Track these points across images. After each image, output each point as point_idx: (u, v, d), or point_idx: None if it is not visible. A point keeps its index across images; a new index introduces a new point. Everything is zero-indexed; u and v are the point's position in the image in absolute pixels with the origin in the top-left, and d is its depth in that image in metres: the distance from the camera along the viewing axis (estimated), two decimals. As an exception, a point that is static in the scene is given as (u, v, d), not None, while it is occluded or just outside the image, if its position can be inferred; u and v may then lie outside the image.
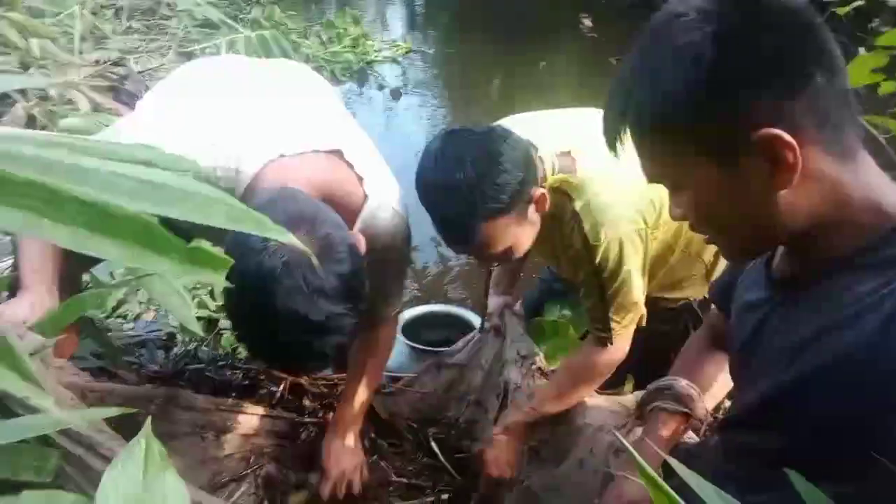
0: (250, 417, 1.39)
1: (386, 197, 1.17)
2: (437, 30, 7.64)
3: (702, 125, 0.64)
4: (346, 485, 1.32)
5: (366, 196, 1.13)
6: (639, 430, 1.06)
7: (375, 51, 6.03)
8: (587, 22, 6.58)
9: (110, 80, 4.22)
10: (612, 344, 1.30)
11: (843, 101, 0.63)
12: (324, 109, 1.23)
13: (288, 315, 0.83)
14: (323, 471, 1.32)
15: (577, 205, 1.21)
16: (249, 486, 1.36)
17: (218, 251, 0.53)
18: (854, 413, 0.62)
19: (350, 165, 1.11)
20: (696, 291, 1.51)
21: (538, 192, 1.17)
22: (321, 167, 1.07)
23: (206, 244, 0.51)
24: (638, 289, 1.26)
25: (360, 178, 1.12)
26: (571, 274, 1.31)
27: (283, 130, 1.07)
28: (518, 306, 1.84)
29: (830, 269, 0.67)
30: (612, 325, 1.28)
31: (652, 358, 1.52)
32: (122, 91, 4.21)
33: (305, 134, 1.08)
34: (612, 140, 0.72)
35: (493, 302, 1.74)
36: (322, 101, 1.26)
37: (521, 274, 1.87)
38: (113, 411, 0.79)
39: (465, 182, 1.09)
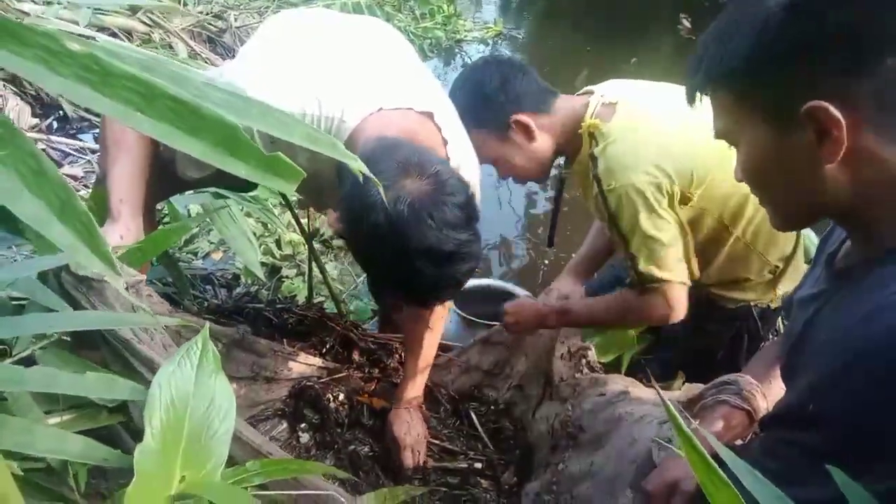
0: (299, 362, 1.43)
1: (465, 162, 1.21)
2: (531, 15, 7.54)
3: (761, 86, 0.66)
4: (417, 452, 1.39)
5: (448, 158, 1.16)
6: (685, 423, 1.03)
7: (466, 30, 6.02)
8: (686, 22, 6.34)
9: (210, 32, 4.41)
10: (652, 295, 1.29)
11: None
12: (417, 71, 1.28)
13: (426, 252, 0.89)
14: (395, 440, 1.38)
15: (598, 149, 1.27)
16: (288, 424, 1.41)
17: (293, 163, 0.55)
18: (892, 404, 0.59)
19: (438, 128, 1.15)
20: (757, 296, 1.44)
21: (517, 119, 1.35)
22: (414, 125, 1.11)
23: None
24: (668, 245, 1.25)
25: (445, 142, 1.16)
26: (605, 224, 1.36)
27: (384, 86, 1.13)
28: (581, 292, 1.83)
29: (885, 257, 0.65)
30: (650, 275, 1.27)
31: (697, 358, 1.48)
32: (219, 43, 4.40)
33: (403, 92, 1.14)
34: (689, 93, 0.75)
35: (559, 284, 1.71)
36: (413, 62, 1.30)
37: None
38: (176, 321, 0.84)
39: (455, 97, 1.35)
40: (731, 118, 0.71)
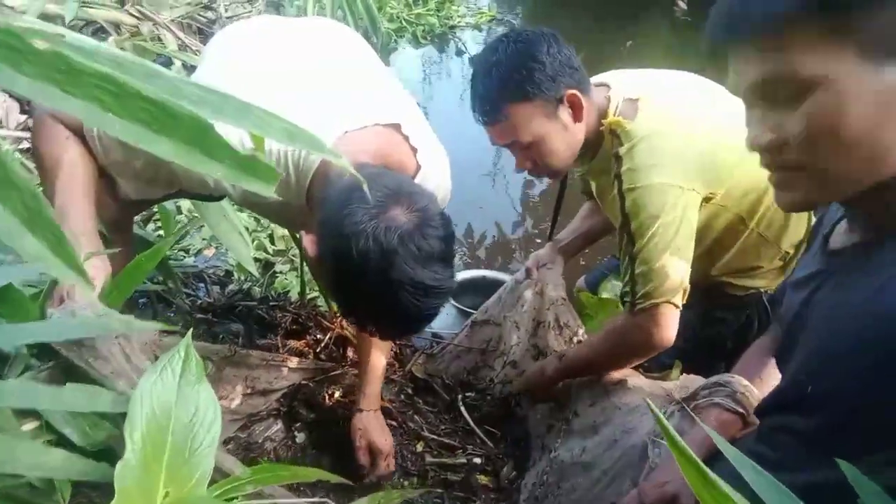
0: (292, 368, 1.40)
1: (436, 167, 1.18)
2: (525, 0, 7.47)
3: (862, 16, 0.56)
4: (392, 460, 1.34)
5: (418, 166, 1.14)
6: (679, 418, 1.02)
7: (459, 16, 5.96)
8: (682, 4, 6.29)
9: (199, 23, 4.35)
10: (640, 316, 1.20)
11: None
12: (375, 75, 1.24)
13: (409, 283, 0.88)
14: (374, 445, 1.31)
15: (623, 148, 1.20)
16: (284, 424, 1.39)
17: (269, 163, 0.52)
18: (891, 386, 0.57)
19: (406, 138, 1.12)
20: (767, 283, 1.41)
21: (571, 93, 1.21)
22: (382, 140, 1.08)
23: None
24: (672, 255, 1.16)
25: (415, 150, 1.13)
26: (616, 226, 1.27)
27: (344, 103, 1.09)
28: (581, 282, 1.81)
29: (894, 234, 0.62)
30: (637, 289, 1.19)
31: (705, 345, 1.46)
32: (208, 34, 4.35)
33: (365, 108, 1.09)
34: (711, 49, 0.66)
35: (540, 252, 1.69)
36: (372, 67, 1.26)
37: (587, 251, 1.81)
38: (158, 325, 0.81)
39: (497, 62, 1.21)
40: (811, 60, 0.59)
